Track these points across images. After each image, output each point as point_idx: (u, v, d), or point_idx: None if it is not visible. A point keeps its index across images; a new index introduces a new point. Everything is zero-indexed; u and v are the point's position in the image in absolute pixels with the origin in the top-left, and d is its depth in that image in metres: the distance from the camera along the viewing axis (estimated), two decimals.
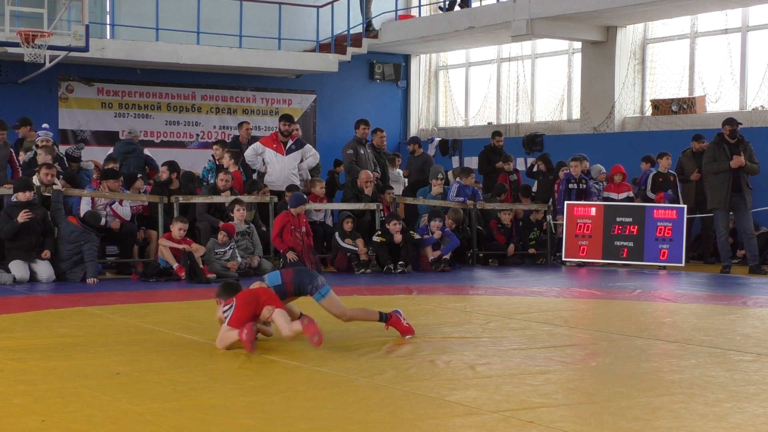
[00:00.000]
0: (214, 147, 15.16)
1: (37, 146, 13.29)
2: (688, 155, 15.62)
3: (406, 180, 17.31)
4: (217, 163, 14.56)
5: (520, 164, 19.00)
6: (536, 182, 16.91)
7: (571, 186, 15.22)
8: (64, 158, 14.00)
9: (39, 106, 18.34)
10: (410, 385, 5.75)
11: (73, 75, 18.94)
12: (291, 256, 13.02)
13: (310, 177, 15.07)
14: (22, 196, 11.81)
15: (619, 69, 18.60)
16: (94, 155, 17.91)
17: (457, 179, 15.69)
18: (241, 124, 16.17)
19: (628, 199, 15.42)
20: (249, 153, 14.71)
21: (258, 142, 14.95)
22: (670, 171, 15.59)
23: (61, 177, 12.85)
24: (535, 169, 16.92)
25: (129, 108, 19.60)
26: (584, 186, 15.26)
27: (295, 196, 13.37)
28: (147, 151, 15.91)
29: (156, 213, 13.12)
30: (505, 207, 15.50)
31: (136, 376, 5.98)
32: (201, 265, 12.14)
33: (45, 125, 13.75)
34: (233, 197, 13.40)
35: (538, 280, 12.78)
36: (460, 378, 6.05)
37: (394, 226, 13.62)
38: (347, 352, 6.91)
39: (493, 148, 17.21)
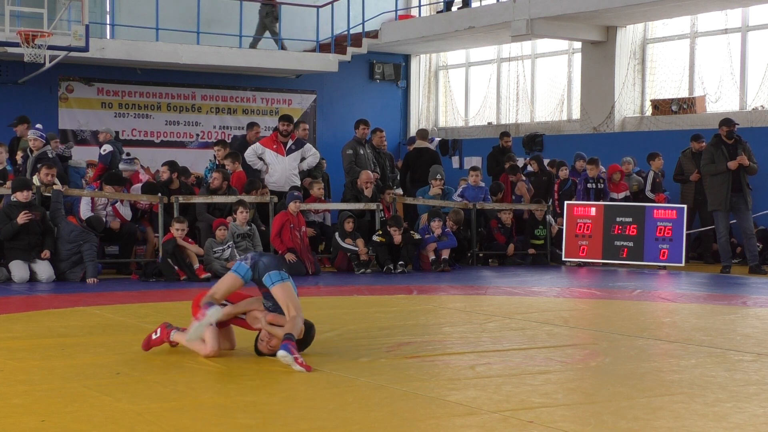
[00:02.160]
0: (215, 147, 15.15)
1: (31, 150, 13.28)
2: (688, 156, 15.62)
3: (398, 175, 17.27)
4: (218, 163, 14.57)
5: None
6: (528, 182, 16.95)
7: (589, 186, 15.28)
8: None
9: (39, 106, 18.33)
10: (410, 385, 5.75)
11: (73, 75, 18.93)
12: (289, 257, 13.02)
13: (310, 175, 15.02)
14: (21, 196, 11.81)
15: (619, 69, 18.60)
16: (94, 155, 17.94)
17: (468, 182, 15.72)
18: (251, 125, 15.95)
19: (626, 198, 15.47)
20: (249, 153, 14.70)
21: (258, 143, 14.93)
22: (661, 170, 15.71)
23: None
24: (527, 170, 16.95)
25: (129, 108, 19.60)
26: (602, 186, 15.30)
27: (290, 194, 13.42)
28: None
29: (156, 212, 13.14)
30: (505, 207, 15.49)
31: (136, 376, 5.99)
32: (197, 265, 12.14)
33: (38, 125, 13.67)
34: (234, 197, 13.42)
35: (538, 280, 12.78)
36: (460, 378, 6.05)
37: (395, 231, 13.62)
38: (347, 352, 6.91)
39: (501, 149, 17.22)
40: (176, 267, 12.07)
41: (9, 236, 11.68)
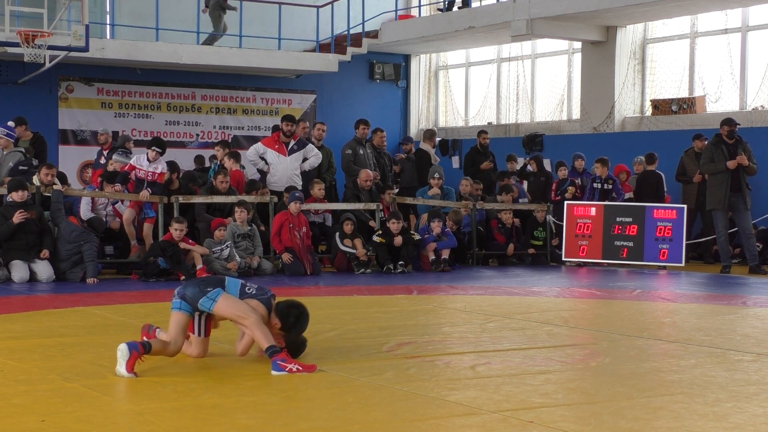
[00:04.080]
0: (216, 148, 15.13)
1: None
2: (691, 155, 15.56)
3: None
4: (219, 163, 14.58)
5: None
6: (527, 182, 16.95)
7: (596, 185, 15.29)
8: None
9: (39, 106, 18.34)
10: (410, 385, 5.75)
11: (73, 75, 18.93)
12: (286, 258, 13.03)
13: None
14: (16, 196, 11.82)
15: (619, 69, 18.60)
16: (93, 155, 17.94)
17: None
18: (297, 123, 15.88)
19: (630, 198, 15.46)
20: (251, 153, 14.68)
21: (260, 143, 14.95)
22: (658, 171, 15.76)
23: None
24: (527, 169, 16.94)
25: (129, 108, 19.60)
26: (610, 186, 15.28)
27: (292, 194, 13.41)
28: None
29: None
30: (505, 207, 15.49)
31: (136, 377, 5.98)
32: (200, 265, 12.14)
33: (10, 123, 13.40)
34: (235, 197, 13.42)
35: (538, 280, 12.78)
36: (460, 378, 6.05)
37: (393, 225, 13.63)
38: (347, 352, 6.91)
39: (478, 150, 17.11)
40: (174, 268, 12.09)
41: (6, 236, 11.69)
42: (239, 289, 6.35)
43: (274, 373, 6.02)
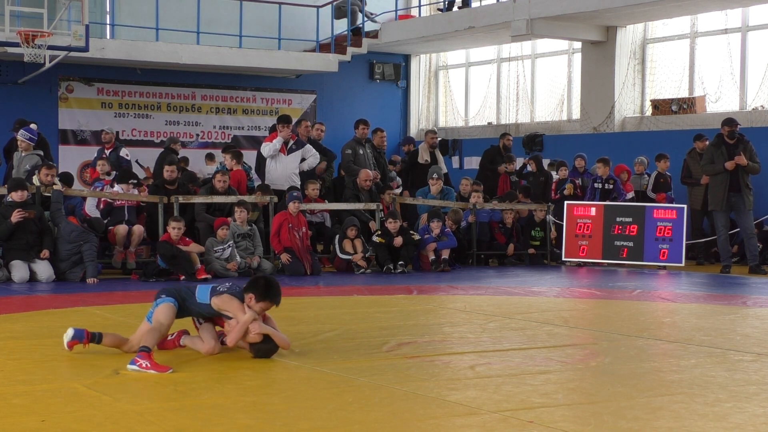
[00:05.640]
0: (224, 154, 15.15)
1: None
2: (694, 156, 15.47)
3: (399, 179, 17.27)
4: (227, 168, 14.63)
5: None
6: (526, 182, 16.95)
7: (596, 186, 15.29)
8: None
9: (39, 106, 18.33)
10: (410, 385, 5.75)
11: (73, 75, 18.94)
12: (284, 258, 13.02)
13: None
14: (15, 196, 11.83)
15: (619, 69, 18.60)
16: (93, 155, 17.94)
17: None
18: (299, 122, 15.87)
19: (632, 198, 15.45)
20: (267, 149, 14.45)
21: (265, 141, 14.89)
22: (667, 172, 15.68)
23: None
24: (526, 169, 16.93)
25: (129, 108, 19.60)
26: (611, 186, 15.27)
27: (290, 194, 13.41)
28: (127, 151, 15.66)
29: (156, 213, 13.13)
30: (506, 207, 15.48)
31: (136, 376, 5.98)
32: (198, 266, 12.13)
33: (33, 126, 13.44)
34: (235, 197, 13.41)
35: (538, 280, 12.78)
36: (460, 378, 6.05)
37: (390, 224, 13.62)
38: (347, 352, 6.91)
39: (499, 150, 17.11)
40: (173, 268, 12.09)
41: (5, 236, 11.69)
42: (209, 292, 6.61)
43: (128, 367, 6.08)
